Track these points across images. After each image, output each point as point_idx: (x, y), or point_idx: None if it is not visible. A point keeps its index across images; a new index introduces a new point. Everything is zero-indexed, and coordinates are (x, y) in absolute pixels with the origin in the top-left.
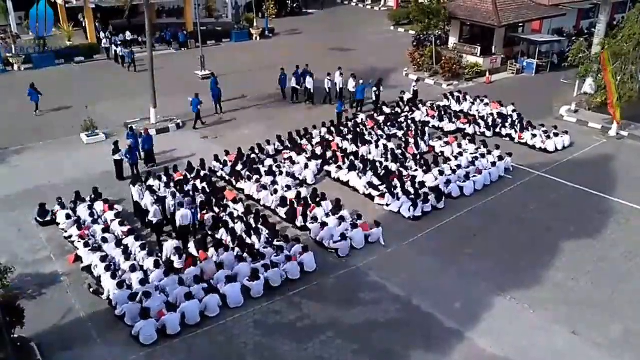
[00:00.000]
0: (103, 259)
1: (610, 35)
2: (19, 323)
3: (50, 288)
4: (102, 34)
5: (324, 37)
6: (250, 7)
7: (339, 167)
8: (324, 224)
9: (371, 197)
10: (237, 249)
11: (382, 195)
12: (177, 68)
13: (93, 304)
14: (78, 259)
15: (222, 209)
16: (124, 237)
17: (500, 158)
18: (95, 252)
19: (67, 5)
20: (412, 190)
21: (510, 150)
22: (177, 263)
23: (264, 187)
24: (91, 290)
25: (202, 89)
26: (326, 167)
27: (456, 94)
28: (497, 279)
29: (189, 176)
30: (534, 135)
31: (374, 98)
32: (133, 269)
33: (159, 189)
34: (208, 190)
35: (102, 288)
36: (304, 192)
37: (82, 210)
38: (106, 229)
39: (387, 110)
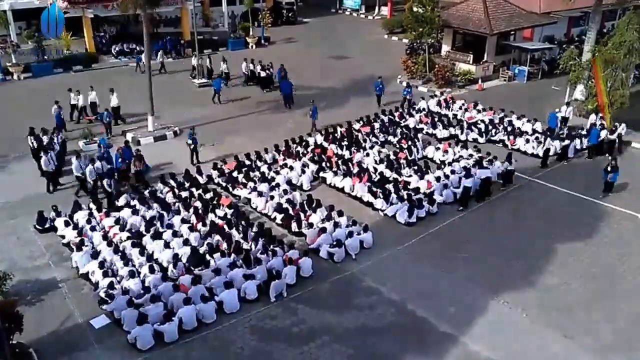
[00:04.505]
0: (101, 265)
1: (601, 42)
2: (17, 329)
3: (49, 294)
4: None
5: (319, 45)
6: (246, 17)
7: (335, 173)
8: (322, 230)
9: (367, 204)
10: (233, 255)
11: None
12: (175, 76)
13: (91, 310)
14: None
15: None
16: (122, 242)
17: (490, 162)
18: (93, 259)
19: (65, 15)
20: (406, 195)
21: (503, 156)
22: (174, 272)
23: (260, 194)
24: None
25: (200, 97)
26: (322, 174)
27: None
28: (490, 283)
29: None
30: (527, 141)
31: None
32: (132, 274)
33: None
34: (204, 197)
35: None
36: (299, 198)
37: (80, 218)
38: (104, 236)
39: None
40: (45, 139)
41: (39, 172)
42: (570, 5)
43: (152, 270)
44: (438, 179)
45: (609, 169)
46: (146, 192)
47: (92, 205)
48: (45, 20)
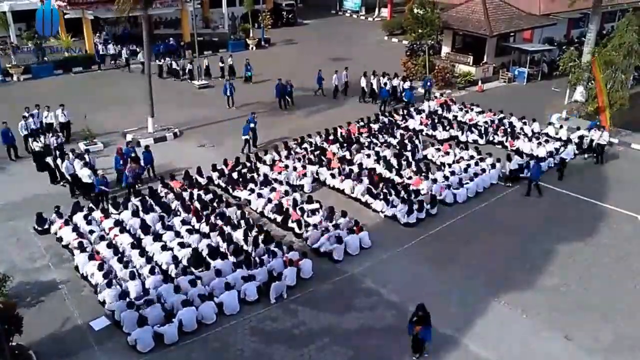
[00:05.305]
0: (100, 267)
1: (601, 44)
2: (17, 331)
3: (49, 296)
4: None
5: (319, 46)
6: (246, 18)
7: (332, 176)
8: (324, 231)
9: (367, 205)
10: (232, 257)
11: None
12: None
13: (91, 312)
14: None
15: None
16: (122, 244)
17: (493, 166)
18: (92, 260)
19: (65, 16)
20: (406, 197)
21: (502, 157)
22: (174, 273)
23: (260, 195)
24: None
25: (199, 98)
26: (321, 175)
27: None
28: (490, 285)
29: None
30: (528, 140)
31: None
32: (132, 276)
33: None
34: (205, 198)
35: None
36: (299, 199)
37: (80, 219)
38: (104, 237)
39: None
40: (42, 141)
41: (39, 174)
42: (569, 7)
43: (152, 271)
44: (435, 180)
45: (414, 319)
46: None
47: (92, 206)
48: (40, 18)
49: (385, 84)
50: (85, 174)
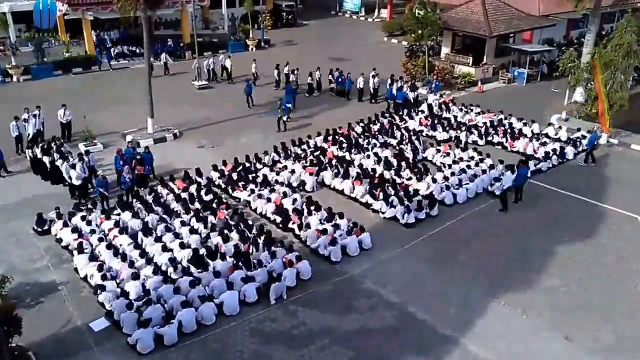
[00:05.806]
0: (100, 268)
1: (600, 45)
2: (17, 332)
3: (49, 297)
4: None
5: (318, 47)
6: (246, 19)
7: (336, 175)
8: (323, 232)
9: (367, 205)
10: (232, 258)
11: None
12: (175, 78)
13: (91, 313)
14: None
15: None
16: (122, 245)
17: (492, 166)
18: (92, 262)
19: (65, 17)
20: (404, 198)
21: (502, 158)
22: (174, 274)
23: (260, 196)
24: None
25: (199, 99)
26: (321, 175)
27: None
28: (490, 285)
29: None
30: (529, 141)
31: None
32: (133, 277)
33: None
34: (205, 199)
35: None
36: (299, 200)
37: (80, 221)
38: (104, 239)
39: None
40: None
41: (41, 176)
42: (580, 9)
43: (153, 272)
44: (435, 180)
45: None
46: (149, 197)
47: (90, 206)
48: (37, 11)
49: (391, 84)
50: (73, 176)
